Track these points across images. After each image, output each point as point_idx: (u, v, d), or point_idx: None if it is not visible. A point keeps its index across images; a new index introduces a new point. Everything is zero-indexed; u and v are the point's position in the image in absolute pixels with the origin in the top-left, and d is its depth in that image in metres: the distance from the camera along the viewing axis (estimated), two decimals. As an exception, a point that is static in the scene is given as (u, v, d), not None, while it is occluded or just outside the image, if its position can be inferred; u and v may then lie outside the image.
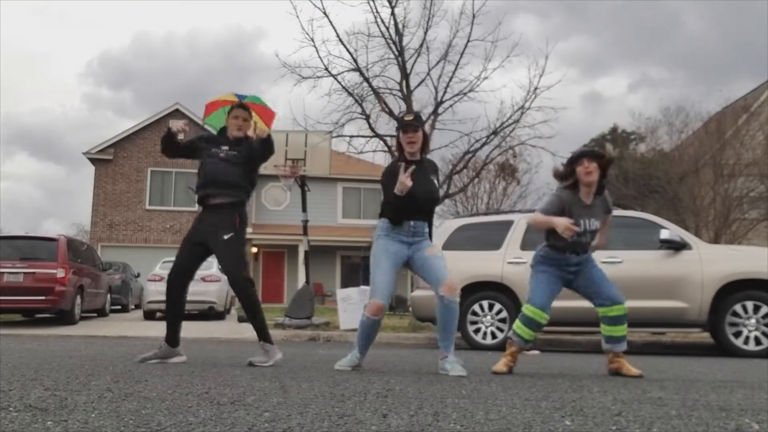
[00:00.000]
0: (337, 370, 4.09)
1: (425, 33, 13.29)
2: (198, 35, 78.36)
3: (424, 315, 7.98)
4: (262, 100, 4.99)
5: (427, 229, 4.22)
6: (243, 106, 4.60)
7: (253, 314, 4.42)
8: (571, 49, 59.60)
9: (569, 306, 5.54)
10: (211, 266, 13.90)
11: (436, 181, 4.22)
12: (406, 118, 4.20)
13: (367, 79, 13.17)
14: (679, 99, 42.86)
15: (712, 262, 6.93)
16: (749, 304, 6.68)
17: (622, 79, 65.78)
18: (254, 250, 23.97)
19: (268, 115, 4.99)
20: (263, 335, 4.44)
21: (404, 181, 3.91)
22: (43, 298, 10.35)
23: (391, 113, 13.06)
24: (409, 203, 4.03)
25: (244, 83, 68.97)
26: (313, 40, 13.00)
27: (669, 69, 59.49)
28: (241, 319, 12.22)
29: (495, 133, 13.61)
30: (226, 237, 4.33)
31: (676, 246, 7.08)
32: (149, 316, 13.54)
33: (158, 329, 10.41)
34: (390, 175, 4.08)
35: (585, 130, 52.57)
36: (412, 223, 4.11)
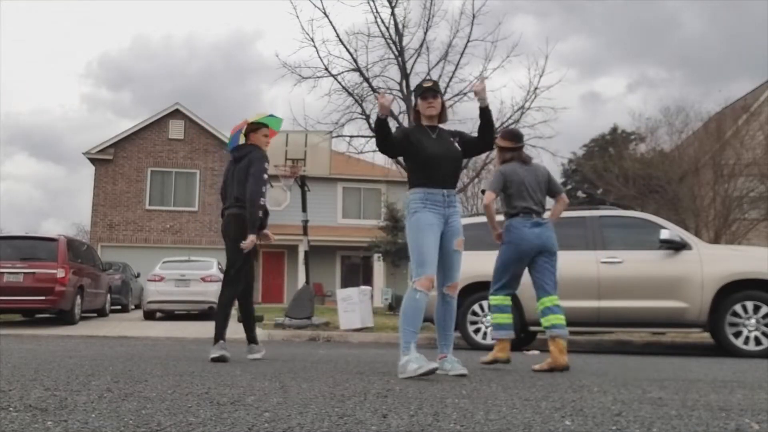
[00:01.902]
0: (403, 378, 3.64)
1: (425, 33, 13.33)
2: (197, 36, 78.42)
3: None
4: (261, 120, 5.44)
5: (458, 200, 4.17)
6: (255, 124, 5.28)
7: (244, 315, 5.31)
8: (570, 50, 59.66)
9: (569, 306, 5.53)
10: (210, 266, 13.94)
11: (456, 144, 4.15)
12: (425, 85, 4.17)
13: (367, 79, 13.19)
14: (678, 99, 42.85)
15: (712, 263, 6.92)
16: (749, 305, 6.66)
17: (621, 79, 65.91)
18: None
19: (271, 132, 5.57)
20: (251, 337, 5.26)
21: (381, 100, 3.89)
22: (43, 298, 10.35)
23: (391, 113, 13.04)
24: (429, 164, 3.99)
25: (243, 83, 68.99)
26: (313, 40, 13.07)
27: (668, 69, 59.57)
28: (240, 319, 12.20)
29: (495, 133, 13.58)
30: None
31: (676, 246, 7.08)
32: (149, 316, 13.52)
33: (158, 329, 10.42)
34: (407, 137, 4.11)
35: (584, 130, 52.70)
36: (445, 191, 4.03)
